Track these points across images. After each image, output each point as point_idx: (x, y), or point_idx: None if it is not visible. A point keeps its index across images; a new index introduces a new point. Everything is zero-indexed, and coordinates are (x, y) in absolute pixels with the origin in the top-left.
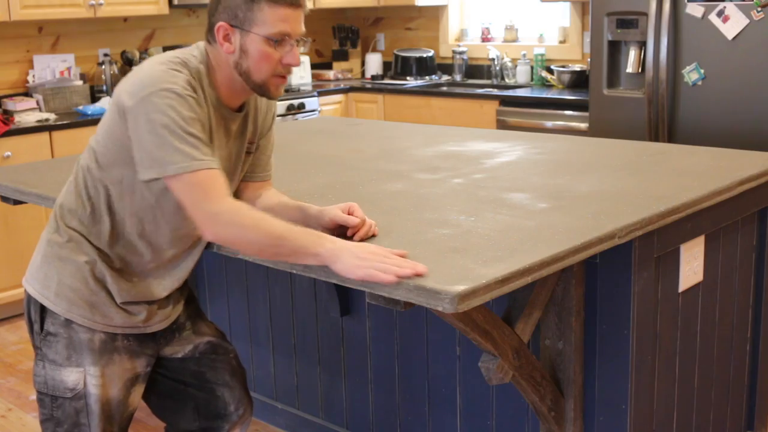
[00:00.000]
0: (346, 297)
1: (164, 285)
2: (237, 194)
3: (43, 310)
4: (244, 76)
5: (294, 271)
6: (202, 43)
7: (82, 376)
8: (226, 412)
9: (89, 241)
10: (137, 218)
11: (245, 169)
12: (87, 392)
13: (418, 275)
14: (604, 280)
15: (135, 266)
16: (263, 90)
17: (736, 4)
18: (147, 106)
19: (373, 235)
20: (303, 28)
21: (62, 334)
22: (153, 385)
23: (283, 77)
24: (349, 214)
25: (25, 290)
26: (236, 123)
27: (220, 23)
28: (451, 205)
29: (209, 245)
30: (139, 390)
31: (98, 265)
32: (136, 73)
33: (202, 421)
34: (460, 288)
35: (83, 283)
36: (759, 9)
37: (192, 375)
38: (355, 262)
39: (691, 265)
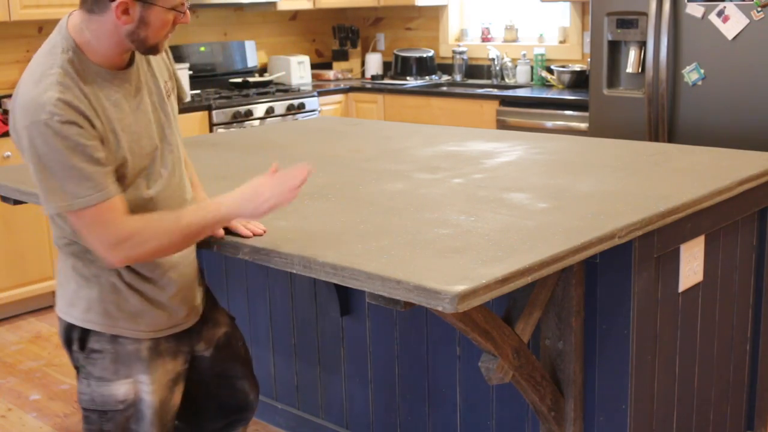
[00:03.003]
0: (346, 297)
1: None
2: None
3: (84, 331)
4: (137, 42)
5: (294, 271)
6: (64, 25)
7: (132, 387)
8: (247, 401)
9: None
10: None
11: (177, 110)
12: (138, 399)
13: (308, 174)
14: (604, 280)
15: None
16: (155, 50)
17: (736, 4)
18: (26, 141)
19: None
20: None
21: (108, 350)
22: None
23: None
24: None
25: (62, 320)
26: (134, 76)
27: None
28: (451, 205)
29: (208, 244)
30: (180, 388)
31: (125, 274)
32: (15, 96)
33: (230, 416)
34: (460, 288)
35: (121, 296)
36: (759, 9)
37: (216, 375)
38: (256, 201)
39: (691, 265)
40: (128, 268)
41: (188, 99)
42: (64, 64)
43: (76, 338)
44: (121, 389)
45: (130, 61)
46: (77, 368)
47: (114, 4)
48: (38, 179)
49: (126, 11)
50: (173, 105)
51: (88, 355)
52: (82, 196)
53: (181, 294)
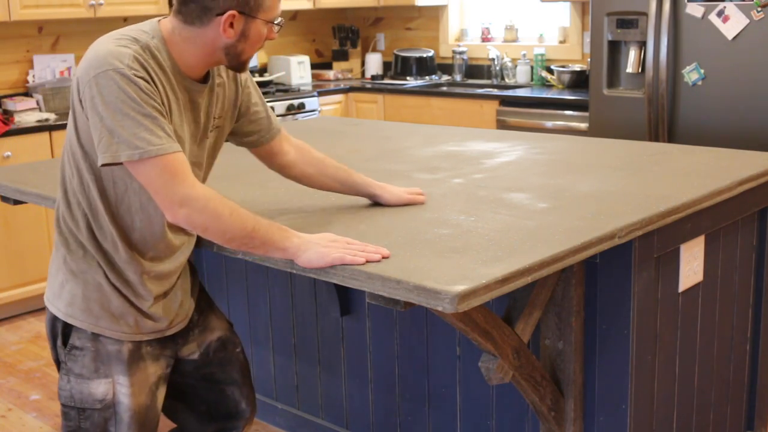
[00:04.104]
0: (346, 297)
1: (174, 262)
2: (266, 160)
3: (66, 326)
4: (231, 56)
5: (294, 271)
6: (154, 21)
7: (110, 387)
8: (238, 410)
9: (100, 250)
10: (133, 209)
11: (220, 146)
12: (116, 401)
13: (385, 257)
14: (604, 280)
15: (144, 253)
16: (244, 66)
17: (736, 4)
18: (96, 90)
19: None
20: None
21: (89, 347)
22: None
23: None
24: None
25: (48, 310)
26: (203, 95)
27: (231, 11)
28: (451, 205)
29: (209, 244)
30: (162, 392)
31: (114, 273)
32: (87, 54)
33: (219, 422)
34: (460, 288)
35: (106, 296)
36: (759, 9)
37: (203, 377)
38: (321, 250)
39: (691, 265)
40: (114, 269)
41: (277, 128)
42: (145, 45)
43: (59, 332)
44: (100, 388)
45: (205, 79)
46: (58, 363)
47: (222, 18)
48: (108, 130)
49: (232, 24)
50: (220, 135)
51: (69, 351)
52: (155, 144)
53: (161, 305)
